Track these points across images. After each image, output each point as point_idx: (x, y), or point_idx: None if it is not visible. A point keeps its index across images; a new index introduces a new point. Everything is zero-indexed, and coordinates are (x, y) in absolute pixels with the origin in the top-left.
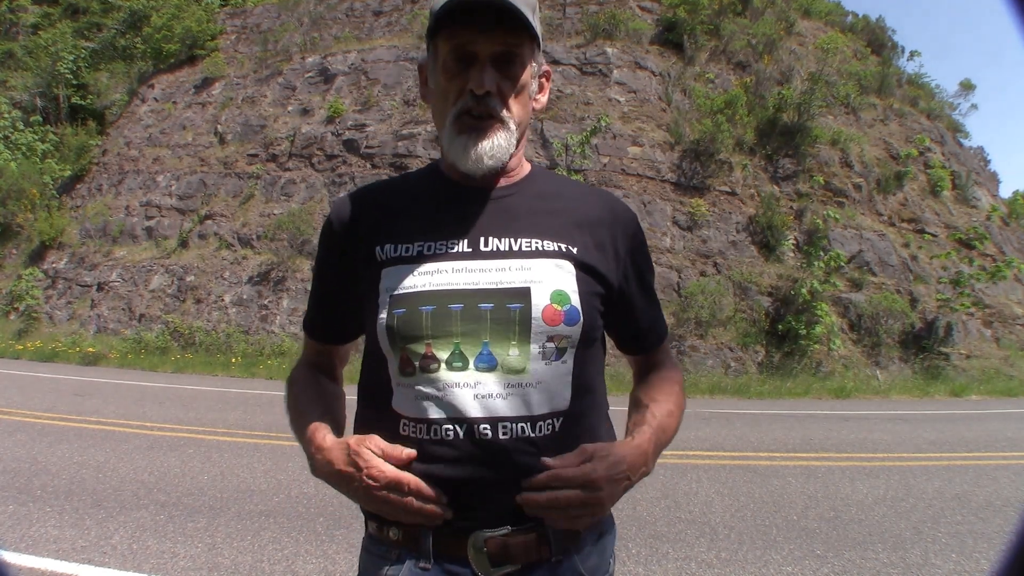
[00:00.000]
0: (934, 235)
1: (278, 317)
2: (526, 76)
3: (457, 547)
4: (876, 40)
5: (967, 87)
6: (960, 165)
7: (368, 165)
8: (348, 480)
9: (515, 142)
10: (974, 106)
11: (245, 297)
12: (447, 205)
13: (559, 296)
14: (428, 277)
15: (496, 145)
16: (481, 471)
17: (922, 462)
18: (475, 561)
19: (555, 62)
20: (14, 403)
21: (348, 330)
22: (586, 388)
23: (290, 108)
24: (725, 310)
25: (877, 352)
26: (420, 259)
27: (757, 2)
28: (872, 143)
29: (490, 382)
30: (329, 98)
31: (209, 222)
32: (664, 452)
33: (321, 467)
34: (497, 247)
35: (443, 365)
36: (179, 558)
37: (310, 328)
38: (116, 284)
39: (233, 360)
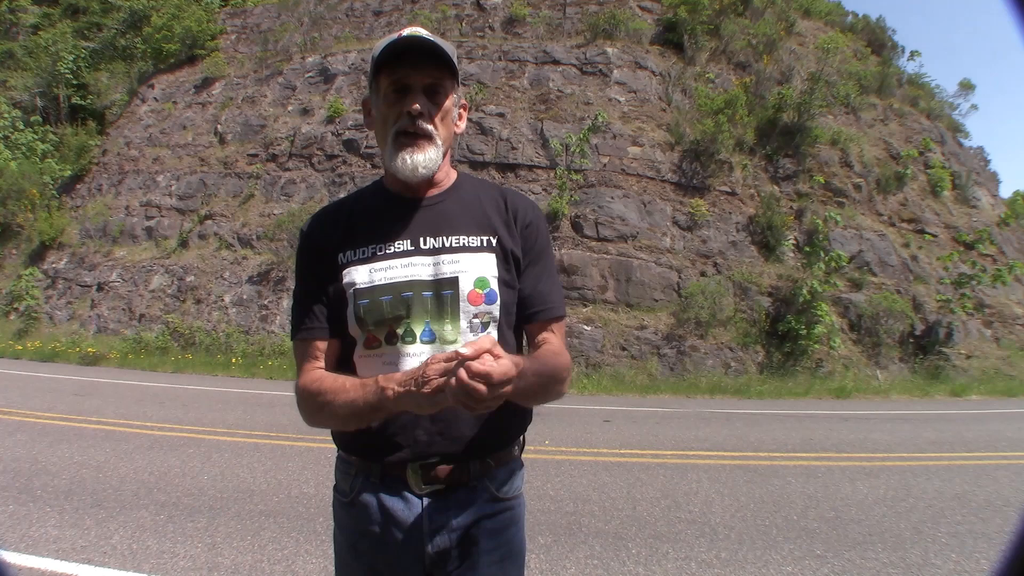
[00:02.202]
0: (934, 235)
1: (278, 317)
2: (449, 103)
3: (400, 470)
4: (876, 40)
5: (967, 87)
6: (960, 165)
7: (368, 165)
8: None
9: (442, 155)
10: (974, 106)
11: (245, 297)
12: (391, 214)
13: (481, 282)
14: (382, 273)
15: (428, 158)
16: (420, 415)
17: (922, 462)
18: (412, 480)
19: (555, 62)
20: (14, 403)
21: (330, 324)
22: (507, 352)
23: (290, 108)
24: (725, 310)
25: (877, 352)
26: (373, 258)
27: (757, 2)
28: (872, 143)
29: (431, 351)
30: (329, 98)
31: (209, 222)
32: (664, 452)
33: (403, 384)
34: (433, 245)
35: (399, 340)
36: (179, 558)
37: (299, 326)
38: (116, 284)
39: (233, 360)
